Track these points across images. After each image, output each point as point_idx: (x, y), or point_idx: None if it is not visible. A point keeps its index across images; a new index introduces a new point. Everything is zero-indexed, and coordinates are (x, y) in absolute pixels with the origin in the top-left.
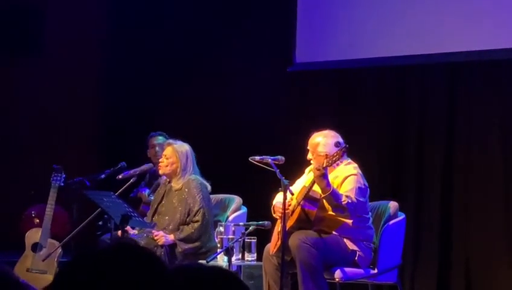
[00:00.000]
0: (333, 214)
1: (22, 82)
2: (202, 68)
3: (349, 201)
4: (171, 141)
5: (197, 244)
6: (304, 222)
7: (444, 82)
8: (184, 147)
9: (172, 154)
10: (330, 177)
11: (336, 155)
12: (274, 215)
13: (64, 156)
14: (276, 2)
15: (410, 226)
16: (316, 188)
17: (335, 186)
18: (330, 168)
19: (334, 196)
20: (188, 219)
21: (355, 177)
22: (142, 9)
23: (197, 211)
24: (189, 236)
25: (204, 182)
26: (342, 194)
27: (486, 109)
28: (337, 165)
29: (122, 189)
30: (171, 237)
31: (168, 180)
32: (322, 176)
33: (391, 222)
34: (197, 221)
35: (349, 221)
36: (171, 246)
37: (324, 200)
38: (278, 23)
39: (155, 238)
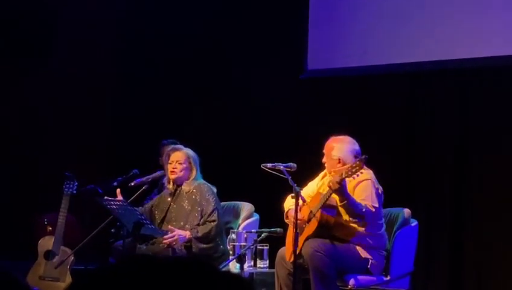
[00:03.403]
0: (348, 220)
1: (32, 88)
2: (214, 76)
3: (368, 209)
4: (177, 146)
5: (211, 245)
6: (323, 229)
7: (457, 88)
8: (192, 152)
9: (185, 159)
10: None
11: (356, 166)
12: (286, 220)
13: (76, 164)
14: (288, 10)
15: (423, 233)
16: (334, 196)
17: (348, 190)
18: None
19: (352, 206)
20: (202, 220)
21: (370, 183)
22: (154, 15)
23: (212, 211)
24: (206, 235)
25: (211, 186)
26: (359, 203)
27: (499, 115)
28: (357, 175)
29: (134, 196)
30: (187, 233)
31: (174, 186)
32: (340, 189)
33: (403, 229)
34: (213, 220)
35: (363, 228)
36: (188, 248)
37: (342, 209)
38: (290, 30)
39: (167, 243)
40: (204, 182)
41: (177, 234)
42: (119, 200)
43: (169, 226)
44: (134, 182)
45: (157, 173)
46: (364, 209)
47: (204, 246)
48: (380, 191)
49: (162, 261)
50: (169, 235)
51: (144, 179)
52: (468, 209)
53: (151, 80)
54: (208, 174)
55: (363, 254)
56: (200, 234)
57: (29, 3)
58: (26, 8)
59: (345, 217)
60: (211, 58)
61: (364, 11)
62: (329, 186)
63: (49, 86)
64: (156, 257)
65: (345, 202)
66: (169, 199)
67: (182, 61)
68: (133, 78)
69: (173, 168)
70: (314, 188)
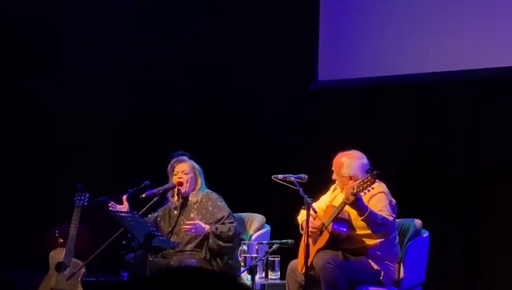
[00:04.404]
0: (361, 234)
1: (42, 99)
2: (224, 87)
3: (386, 218)
4: (182, 158)
5: (230, 244)
6: (335, 242)
7: (467, 99)
8: (194, 163)
9: (190, 169)
10: None
11: (367, 181)
12: (302, 232)
13: (87, 176)
14: (298, 20)
15: (434, 244)
16: (347, 208)
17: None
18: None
19: (372, 217)
20: (219, 223)
21: (384, 195)
22: (165, 23)
23: (228, 216)
24: (225, 233)
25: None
26: (378, 213)
27: (510, 126)
28: (368, 191)
29: (145, 208)
30: (206, 227)
31: (180, 199)
32: (356, 202)
33: (415, 240)
34: (231, 222)
35: (377, 241)
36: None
37: (363, 222)
38: (300, 41)
39: (187, 228)
40: (211, 191)
41: (198, 223)
42: (127, 211)
43: (192, 215)
44: (146, 193)
45: (169, 185)
46: (383, 218)
47: (223, 244)
48: (393, 204)
49: (175, 271)
50: (191, 222)
51: (155, 190)
52: (480, 220)
53: (163, 90)
54: (218, 185)
55: (375, 266)
56: (218, 231)
57: (36, 13)
58: (32, 16)
59: (359, 231)
60: (221, 68)
61: (375, 22)
62: (345, 202)
63: (60, 97)
64: (173, 268)
65: (365, 214)
66: (175, 212)
67: (192, 72)
68: (145, 89)
69: (179, 178)
70: (327, 201)
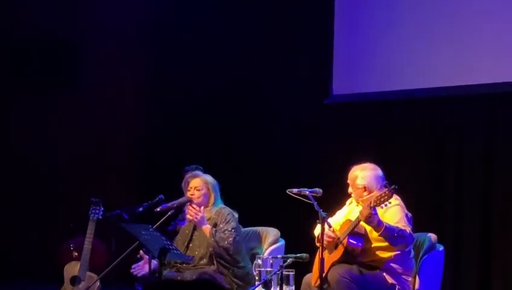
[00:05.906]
0: (376, 247)
1: (59, 114)
2: (239, 102)
3: (403, 229)
4: (195, 172)
5: (226, 256)
6: (349, 257)
7: (483, 114)
8: (210, 178)
9: (204, 185)
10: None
11: (385, 196)
12: (318, 244)
13: (102, 189)
14: (313, 35)
15: (449, 258)
16: (363, 223)
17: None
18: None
19: (389, 231)
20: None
21: (400, 207)
22: (183, 42)
23: (232, 229)
24: (222, 242)
25: (232, 211)
26: (394, 226)
27: None
28: (385, 205)
29: (160, 222)
30: (208, 227)
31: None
32: (371, 217)
33: (430, 254)
34: (231, 234)
35: (391, 254)
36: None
37: (381, 237)
38: (315, 55)
39: (191, 212)
40: (225, 206)
41: (204, 216)
42: (142, 226)
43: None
44: (160, 207)
45: (183, 199)
46: (400, 230)
47: (218, 249)
48: (409, 216)
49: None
50: (198, 209)
51: (169, 204)
52: (495, 235)
53: (178, 105)
54: (233, 199)
55: (390, 280)
56: (216, 236)
57: (54, 29)
58: (51, 34)
59: (374, 243)
60: (236, 82)
61: (389, 36)
62: (360, 218)
63: (74, 110)
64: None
65: (382, 229)
66: (190, 227)
67: (207, 87)
68: (159, 102)
69: (191, 195)
70: (343, 215)
